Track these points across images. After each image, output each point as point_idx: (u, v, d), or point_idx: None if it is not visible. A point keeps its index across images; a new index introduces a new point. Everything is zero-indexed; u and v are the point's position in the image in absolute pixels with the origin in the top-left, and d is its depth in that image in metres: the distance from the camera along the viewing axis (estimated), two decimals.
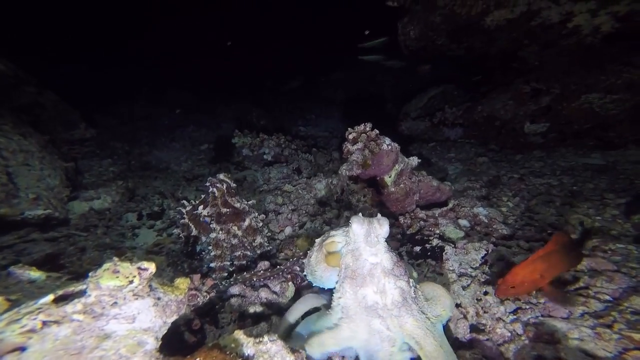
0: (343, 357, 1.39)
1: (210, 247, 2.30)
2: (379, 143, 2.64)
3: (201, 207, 2.35)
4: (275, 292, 2.06)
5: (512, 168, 4.02)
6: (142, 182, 4.39)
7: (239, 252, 2.35)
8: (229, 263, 2.31)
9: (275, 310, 2.00)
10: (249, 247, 2.40)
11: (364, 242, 1.33)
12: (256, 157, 4.86)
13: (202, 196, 2.42)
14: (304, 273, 1.76)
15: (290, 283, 2.13)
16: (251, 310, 1.93)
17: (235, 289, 2.05)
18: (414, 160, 2.76)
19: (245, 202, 2.45)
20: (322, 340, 1.30)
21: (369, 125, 2.76)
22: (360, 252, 1.34)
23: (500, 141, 4.70)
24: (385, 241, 1.38)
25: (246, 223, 2.39)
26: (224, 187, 2.34)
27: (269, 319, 1.91)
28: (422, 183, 2.83)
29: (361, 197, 2.74)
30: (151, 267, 1.03)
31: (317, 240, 1.66)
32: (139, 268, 1.00)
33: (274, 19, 14.82)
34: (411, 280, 1.39)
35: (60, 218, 3.19)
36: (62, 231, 3.19)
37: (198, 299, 1.86)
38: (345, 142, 2.83)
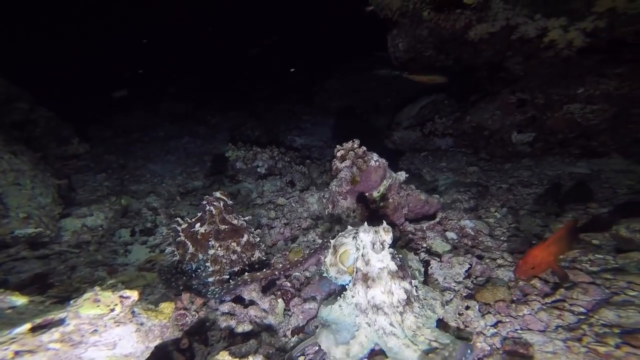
0: None
1: (207, 264, 2.31)
2: (366, 160, 2.69)
3: (198, 224, 2.37)
4: (264, 310, 2.09)
5: (501, 177, 4.08)
6: (136, 198, 4.41)
7: (238, 267, 2.37)
8: (227, 277, 2.33)
9: (264, 327, 2.03)
10: (247, 262, 2.43)
11: (372, 249, 1.51)
12: (250, 170, 4.90)
13: (198, 214, 2.44)
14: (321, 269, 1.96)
15: (279, 300, 2.15)
16: (240, 328, 1.96)
17: (224, 307, 2.07)
18: (402, 175, 2.81)
19: (243, 219, 2.48)
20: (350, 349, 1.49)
21: (356, 142, 2.82)
22: (369, 257, 1.53)
23: (490, 150, 4.78)
24: (390, 247, 1.55)
25: (244, 239, 2.41)
26: (221, 205, 2.37)
27: (258, 335, 1.94)
28: (411, 197, 2.88)
29: (351, 212, 2.79)
30: (133, 295, 1.06)
31: (332, 242, 1.84)
32: (121, 296, 1.03)
33: (269, 26, 15.00)
34: (413, 280, 1.59)
35: (51, 236, 3.20)
36: (54, 249, 3.20)
37: (187, 318, 1.88)
38: (334, 160, 2.88)
